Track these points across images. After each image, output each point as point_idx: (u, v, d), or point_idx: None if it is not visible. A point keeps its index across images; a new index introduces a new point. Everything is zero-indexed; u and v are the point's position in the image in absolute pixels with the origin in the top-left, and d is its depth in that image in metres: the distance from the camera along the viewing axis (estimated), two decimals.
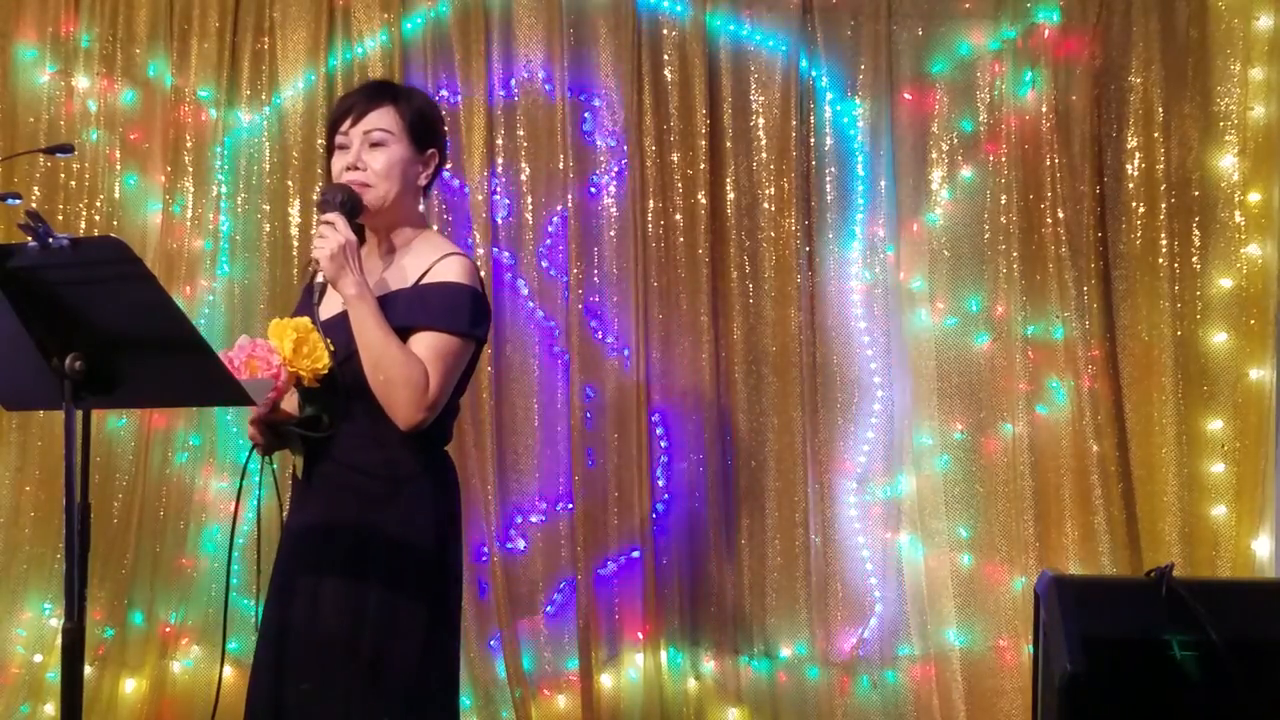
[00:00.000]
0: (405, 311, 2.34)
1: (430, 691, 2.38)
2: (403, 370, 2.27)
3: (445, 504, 2.44)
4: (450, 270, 2.39)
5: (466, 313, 2.37)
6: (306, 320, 2.27)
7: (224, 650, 2.76)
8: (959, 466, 4.13)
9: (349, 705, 2.30)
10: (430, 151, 2.48)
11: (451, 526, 2.45)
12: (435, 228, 3.75)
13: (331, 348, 2.26)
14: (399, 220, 2.46)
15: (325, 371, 2.25)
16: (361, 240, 2.43)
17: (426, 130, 2.46)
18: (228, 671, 3.55)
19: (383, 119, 2.41)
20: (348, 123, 2.41)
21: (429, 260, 2.40)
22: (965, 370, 4.14)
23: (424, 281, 2.38)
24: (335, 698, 2.30)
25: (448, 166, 3.97)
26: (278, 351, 2.22)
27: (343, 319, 2.32)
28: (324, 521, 2.35)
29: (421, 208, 2.49)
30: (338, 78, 4.11)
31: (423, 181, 2.48)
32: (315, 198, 2.38)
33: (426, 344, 2.32)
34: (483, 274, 2.52)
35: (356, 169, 2.39)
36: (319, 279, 2.30)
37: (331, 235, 2.27)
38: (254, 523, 2.38)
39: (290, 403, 2.39)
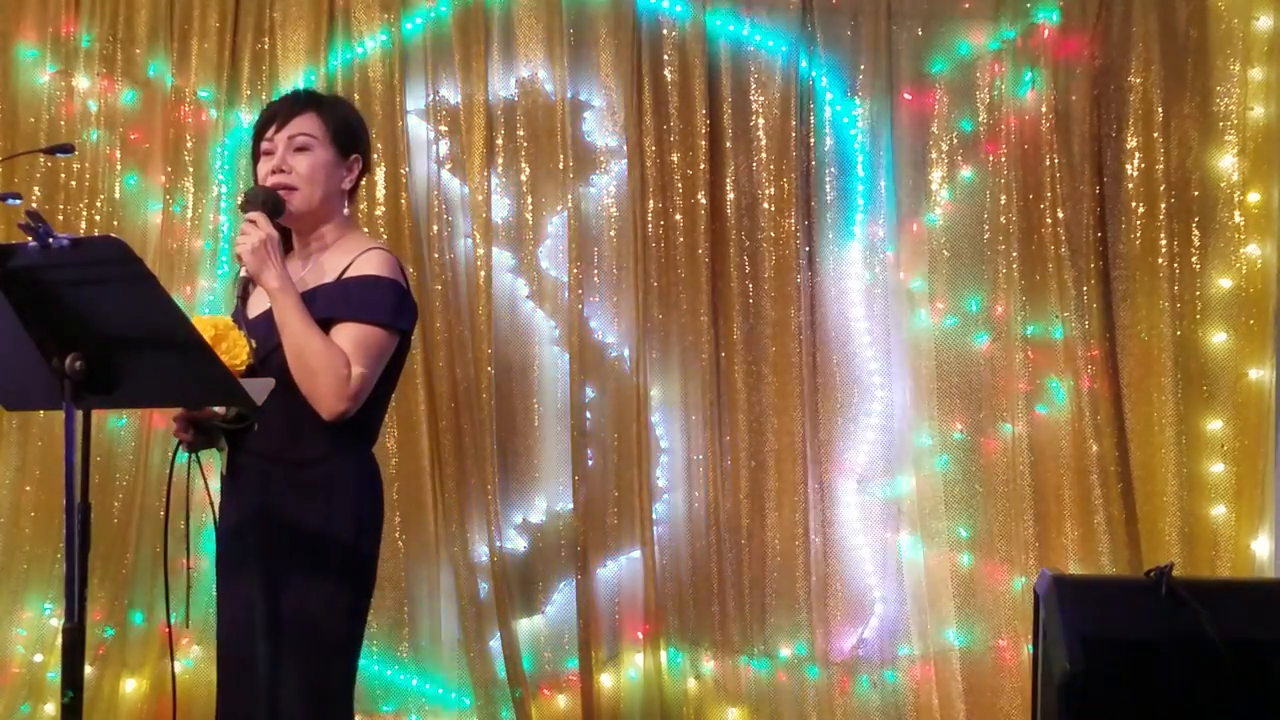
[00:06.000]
0: (326, 305, 2.38)
1: (332, 686, 2.41)
2: (325, 360, 2.30)
3: (365, 496, 2.47)
4: (370, 264, 2.43)
5: (387, 304, 2.41)
6: (227, 318, 2.34)
7: (172, 657, 2.76)
8: (959, 466, 4.13)
9: (258, 690, 2.34)
10: (354, 157, 2.53)
11: (370, 518, 2.48)
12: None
13: (252, 344, 2.31)
14: (323, 222, 2.50)
15: (243, 367, 2.29)
16: (289, 246, 2.50)
17: (350, 136, 2.52)
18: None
19: (306, 124, 2.46)
20: (272, 129, 2.46)
21: (350, 256, 2.45)
22: (965, 370, 4.15)
23: (345, 276, 2.42)
24: (251, 683, 2.35)
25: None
26: None
27: (268, 317, 2.36)
28: (249, 515, 2.40)
29: (347, 211, 2.53)
30: (338, 78, 4.11)
31: (346, 185, 2.53)
32: (238, 200, 2.41)
33: (348, 335, 2.36)
34: (410, 271, 2.54)
35: (281, 172, 2.44)
36: (242, 273, 2.35)
37: (253, 231, 2.32)
38: (184, 517, 2.41)
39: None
